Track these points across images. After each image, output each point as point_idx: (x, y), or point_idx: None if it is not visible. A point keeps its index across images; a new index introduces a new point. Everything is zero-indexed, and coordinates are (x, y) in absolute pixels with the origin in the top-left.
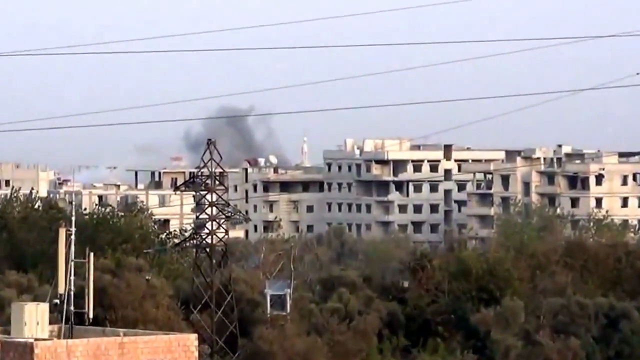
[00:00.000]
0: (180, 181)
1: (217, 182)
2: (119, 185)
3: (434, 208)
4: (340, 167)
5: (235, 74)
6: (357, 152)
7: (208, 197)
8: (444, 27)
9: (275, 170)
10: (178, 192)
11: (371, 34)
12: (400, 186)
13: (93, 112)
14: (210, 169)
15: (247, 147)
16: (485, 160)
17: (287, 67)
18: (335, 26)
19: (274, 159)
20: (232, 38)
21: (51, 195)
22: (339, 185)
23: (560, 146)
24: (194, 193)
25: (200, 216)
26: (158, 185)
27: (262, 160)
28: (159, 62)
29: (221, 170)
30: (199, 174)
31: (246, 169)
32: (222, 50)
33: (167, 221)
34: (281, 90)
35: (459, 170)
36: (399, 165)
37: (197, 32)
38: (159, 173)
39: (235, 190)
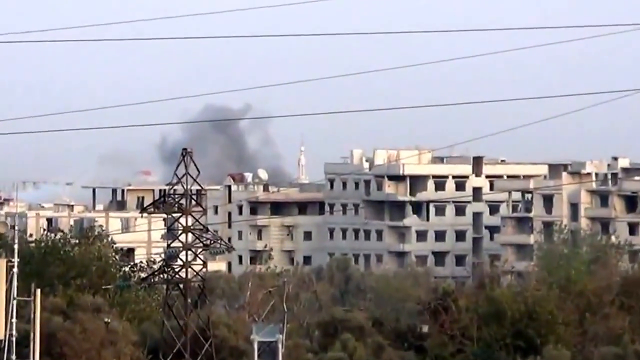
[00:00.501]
0: (148, 201)
1: (193, 202)
2: (72, 206)
3: (460, 235)
4: (345, 185)
5: (225, 68)
6: (366, 165)
7: (182, 220)
8: (473, 16)
9: (266, 188)
10: (145, 215)
11: (387, 24)
12: (418, 208)
13: (43, 115)
14: (185, 186)
15: (237, 158)
16: (524, 177)
17: (288, 61)
18: (346, 14)
19: (263, 174)
20: (222, 24)
21: None
22: (344, 206)
23: (615, 159)
24: (164, 216)
25: (173, 244)
26: (121, 205)
27: (249, 176)
28: (130, 53)
29: (199, 188)
30: (171, 192)
31: (229, 187)
32: (209, 37)
33: (131, 250)
34: (281, 87)
35: (491, 188)
36: (417, 182)
37: (176, 16)
38: (122, 191)
39: (216, 212)
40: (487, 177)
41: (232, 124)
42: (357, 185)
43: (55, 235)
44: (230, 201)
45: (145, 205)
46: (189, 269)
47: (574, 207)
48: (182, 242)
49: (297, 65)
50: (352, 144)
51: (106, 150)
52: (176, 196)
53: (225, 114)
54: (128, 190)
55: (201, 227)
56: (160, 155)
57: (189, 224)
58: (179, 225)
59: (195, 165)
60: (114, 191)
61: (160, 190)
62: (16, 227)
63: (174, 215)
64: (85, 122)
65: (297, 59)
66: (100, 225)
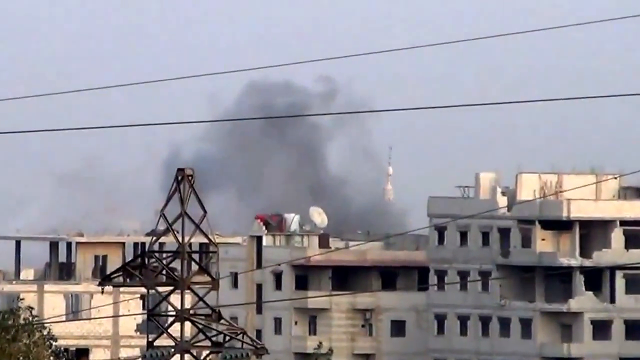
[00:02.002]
0: (113, 263)
1: (194, 267)
2: None
3: None
4: (464, 236)
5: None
6: (502, 201)
7: (175, 299)
8: None
9: (323, 241)
10: (109, 289)
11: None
12: (596, 280)
13: None
14: (179, 237)
15: (306, 182)
16: None
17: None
18: None
19: (319, 217)
20: None
21: None
22: (462, 275)
23: None
24: (142, 291)
25: (157, 342)
26: (66, 272)
27: (291, 219)
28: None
29: (205, 241)
30: (155, 246)
31: (258, 239)
32: None
33: (83, 352)
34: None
35: None
36: (594, 232)
37: None
38: (69, 245)
39: (235, 284)
40: None
41: (297, 120)
42: (485, 237)
43: None
44: (260, 264)
45: (109, 272)
46: None
47: None
48: (174, 339)
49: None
50: (477, 162)
51: (66, 168)
52: (164, 255)
53: (284, 103)
54: (79, 244)
55: (209, 311)
56: (166, 180)
57: (187, 305)
58: (169, 307)
59: (198, 199)
60: (54, 246)
61: (136, 245)
62: None
63: (160, 289)
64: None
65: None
66: (30, 307)
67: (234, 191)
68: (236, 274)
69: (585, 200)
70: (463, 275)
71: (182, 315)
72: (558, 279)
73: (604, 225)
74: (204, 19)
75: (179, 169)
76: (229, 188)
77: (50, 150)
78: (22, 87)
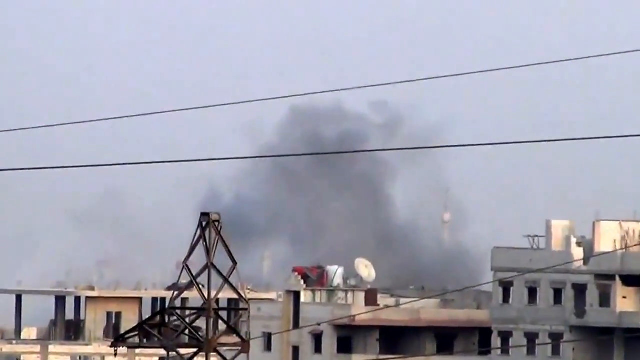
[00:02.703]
0: (129, 321)
1: (222, 326)
2: None
3: None
4: (533, 293)
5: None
6: (578, 253)
7: None
8: None
9: (370, 298)
10: (122, 351)
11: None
12: None
13: None
14: (205, 292)
15: (372, 229)
16: None
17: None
18: None
19: (366, 270)
20: None
21: None
22: (531, 338)
23: None
24: (162, 353)
25: None
26: (74, 330)
27: (334, 272)
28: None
29: (234, 297)
30: (176, 303)
31: (295, 294)
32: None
33: None
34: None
35: None
36: None
37: None
38: (77, 300)
39: (269, 346)
40: None
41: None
42: (557, 294)
43: None
44: (297, 324)
45: (123, 332)
46: None
47: None
48: None
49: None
50: (548, 207)
51: (81, 206)
52: (187, 312)
53: (336, 133)
54: (89, 299)
55: None
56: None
57: None
58: None
59: (227, 248)
60: (60, 301)
61: (155, 301)
62: None
63: (182, 352)
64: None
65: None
66: None
67: (282, 239)
68: (270, 334)
69: None
70: (531, 337)
71: None
72: None
73: None
74: (243, 40)
75: (203, 214)
76: (275, 235)
77: (67, 185)
78: (42, 115)
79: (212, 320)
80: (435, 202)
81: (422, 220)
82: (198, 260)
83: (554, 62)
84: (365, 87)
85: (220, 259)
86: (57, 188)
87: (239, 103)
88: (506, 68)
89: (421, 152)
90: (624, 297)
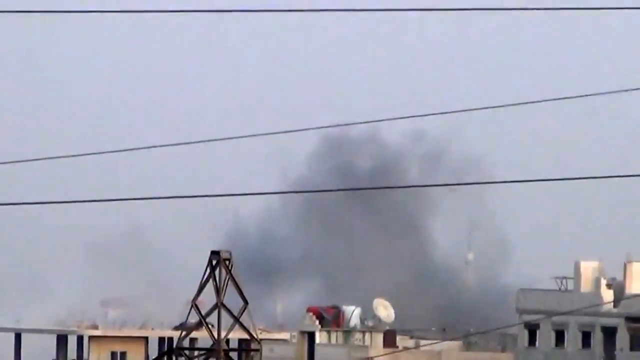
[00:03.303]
0: None
1: None
2: None
3: None
4: (560, 336)
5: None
6: (608, 295)
7: None
8: None
9: (389, 339)
10: None
11: None
12: None
13: None
14: (213, 330)
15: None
16: None
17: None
18: None
19: (385, 310)
20: None
21: None
22: None
23: None
24: None
25: None
26: None
27: (351, 311)
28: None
29: (246, 337)
30: (184, 343)
31: (309, 335)
32: None
33: None
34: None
35: None
36: None
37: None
38: (79, 340)
39: None
40: None
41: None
42: (586, 337)
43: None
44: None
45: None
46: None
47: None
48: None
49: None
50: (577, 248)
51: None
52: (196, 353)
53: (370, 165)
54: (92, 338)
55: None
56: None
57: None
58: None
59: (237, 287)
60: (62, 341)
61: (162, 341)
62: None
63: None
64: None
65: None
66: None
67: (312, 278)
68: None
69: None
70: None
71: None
72: None
73: None
74: (276, 67)
75: (213, 252)
76: (304, 274)
77: (86, 218)
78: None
79: (222, 359)
80: (474, 238)
81: (458, 258)
82: (209, 299)
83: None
84: (402, 117)
85: (234, 298)
86: (76, 221)
87: (268, 134)
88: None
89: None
90: None
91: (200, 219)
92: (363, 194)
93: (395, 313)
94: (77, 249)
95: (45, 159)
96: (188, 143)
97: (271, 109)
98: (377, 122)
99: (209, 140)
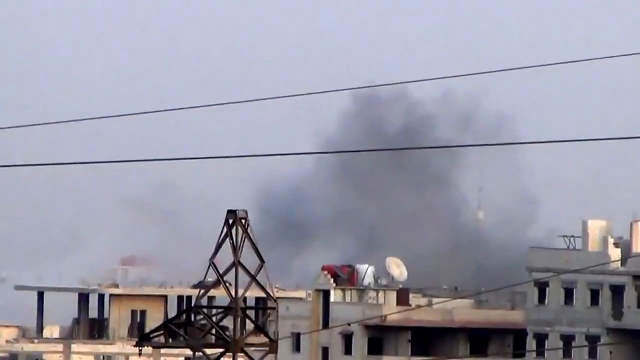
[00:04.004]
0: (154, 320)
1: (250, 325)
2: None
3: None
4: (570, 294)
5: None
6: (615, 253)
7: None
8: None
9: (402, 298)
10: (147, 351)
11: None
12: None
13: None
14: (232, 290)
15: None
16: None
17: None
18: None
19: (397, 269)
20: None
21: None
22: (567, 340)
23: None
24: (188, 353)
25: None
26: (98, 328)
27: (364, 270)
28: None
29: (262, 295)
30: (202, 301)
31: (324, 293)
32: None
33: None
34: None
35: None
36: None
37: None
38: (101, 298)
39: (297, 347)
40: None
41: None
42: (594, 295)
43: None
44: (326, 324)
45: (148, 331)
46: None
47: None
48: None
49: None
50: (585, 207)
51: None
52: (214, 311)
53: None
54: (113, 297)
55: None
56: (261, 218)
57: None
58: None
59: (254, 245)
60: (83, 299)
61: (181, 299)
62: None
63: (208, 351)
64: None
65: None
66: None
67: (343, 238)
68: (298, 334)
69: None
70: (567, 339)
71: None
72: None
73: None
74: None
75: (229, 211)
76: (336, 235)
77: (121, 174)
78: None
79: (239, 319)
80: (516, 197)
81: (501, 217)
82: (226, 257)
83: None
84: (432, 79)
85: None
86: (110, 176)
87: (298, 95)
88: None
89: (491, 141)
90: None
91: (234, 179)
92: (394, 152)
93: (425, 271)
94: (111, 204)
95: (90, 119)
96: (221, 104)
97: (304, 69)
98: (406, 80)
99: (241, 102)
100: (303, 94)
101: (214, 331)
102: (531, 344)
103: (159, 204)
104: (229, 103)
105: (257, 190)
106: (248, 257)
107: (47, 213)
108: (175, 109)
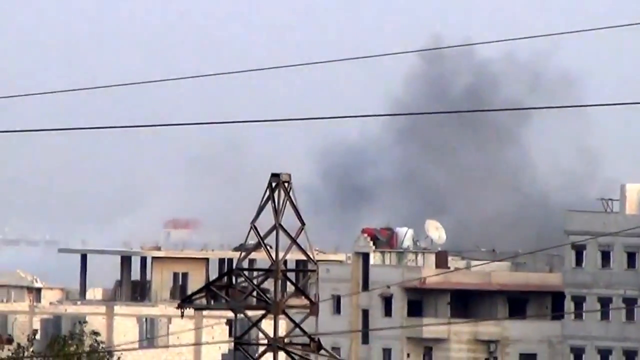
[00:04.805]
0: (195, 282)
1: (290, 287)
2: (38, 290)
3: None
4: (606, 256)
5: None
6: None
7: (266, 326)
8: None
9: (441, 260)
10: (189, 313)
11: None
12: None
13: None
14: (272, 253)
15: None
16: None
17: None
18: None
19: (436, 231)
20: None
21: None
22: (604, 301)
23: None
24: (229, 315)
25: None
26: (140, 291)
27: (403, 233)
28: None
29: (302, 258)
30: (243, 264)
31: (364, 256)
32: None
33: None
34: None
35: None
36: None
37: None
38: (143, 260)
39: (338, 309)
40: None
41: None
42: (631, 258)
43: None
44: (366, 286)
45: (190, 293)
46: None
47: None
48: None
49: None
50: (622, 170)
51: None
52: (255, 273)
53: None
54: (155, 259)
55: (306, 339)
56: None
57: (281, 332)
58: (260, 335)
59: (295, 209)
60: (126, 262)
61: (222, 262)
62: None
63: (250, 314)
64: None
65: None
66: (95, 332)
67: (409, 200)
68: (339, 297)
69: None
70: (604, 302)
71: (275, 344)
72: None
73: None
74: None
75: (273, 174)
76: (401, 195)
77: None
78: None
79: (280, 281)
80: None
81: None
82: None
83: None
84: (498, 41)
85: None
86: (175, 137)
87: (364, 58)
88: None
89: (564, 99)
90: None
91: (299, 143)
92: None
93: (489, 233)
94: (176, 164)
95: (158, 81)
96: (287, 66)
97: (367, 32)
98: (472, 40)
99: (307, 64)
100: (367, 57)
101: (255, 293)
102: (569, 306)
103: (221, 165)
104: (294, 65)
105: (321, 153)
106: (290, 220)
107: (108, 176)
108: (240, 72)
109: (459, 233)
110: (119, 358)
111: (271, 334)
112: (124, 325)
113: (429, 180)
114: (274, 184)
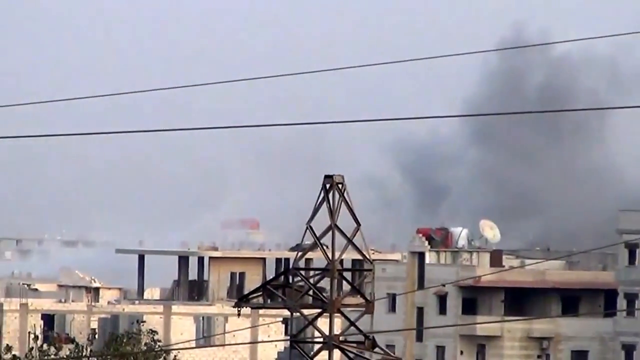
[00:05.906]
0: (252, 282)
1: (346, 287)
2: (96, 289)
3: None
4: None
5: None
6: None
7: (322, 324)
8: None
9: (496, 259)
10: (246, 311)
11: None
12: None
13: None
14: (329, 252)
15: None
16: None
17: None
18: None
19: (491, 231)
20: None
21: None
22: None
23: None
24: (285, 314)
25: None
26: (197, 290)
27: (459, 232)
28: None
29: (359, 257)
30: (299, 264)
31: (420, 255)
32: None
33: None
34: None
35: None
36: None
37: None
38: (200, 260)
39: (393, 307)
40: None
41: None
42: None
43: (56, 349)
44: (421, 285)
45: (247, 292)
46: None
47: None
48: None
49: None
50: None
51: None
52: (311, 273)
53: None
54: (213, 259)
55: (362, 337)
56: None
57: (337, 330)
58: (316, 333)
59: (350, 209)
60: (183, 262)
61: (279, 261)
62: None
63: (306, 312)
64: None
65: None
66: (152, 331)
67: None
68: (394, 295)
69: None
70: None
71: (330, 342)
72: None
73: None
74: None
75: (326, 176)
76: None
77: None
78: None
79: (336, 280)
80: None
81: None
82: (323, 219)
83: None
84: (574, 40)
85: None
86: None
87: (436, 57)
88: None
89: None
90: None
91: (373, 139)
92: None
93: (566, 232)
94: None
95: (241, 79)
96: (361, 66)
97: (439, 30)
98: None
99: (377, 64)
100: (439, 56)
101: (311, 292)
102: (622, 303)
103: (298, 164)
104: (368, 65)
105: (397, 153)
106: (345, 221)
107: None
108: (315, 71)
109: (546, 233)
110: (175, 356)
111: (327, 333)
112: (181, 324)
113: (509, 180)
114: (327, 185)
